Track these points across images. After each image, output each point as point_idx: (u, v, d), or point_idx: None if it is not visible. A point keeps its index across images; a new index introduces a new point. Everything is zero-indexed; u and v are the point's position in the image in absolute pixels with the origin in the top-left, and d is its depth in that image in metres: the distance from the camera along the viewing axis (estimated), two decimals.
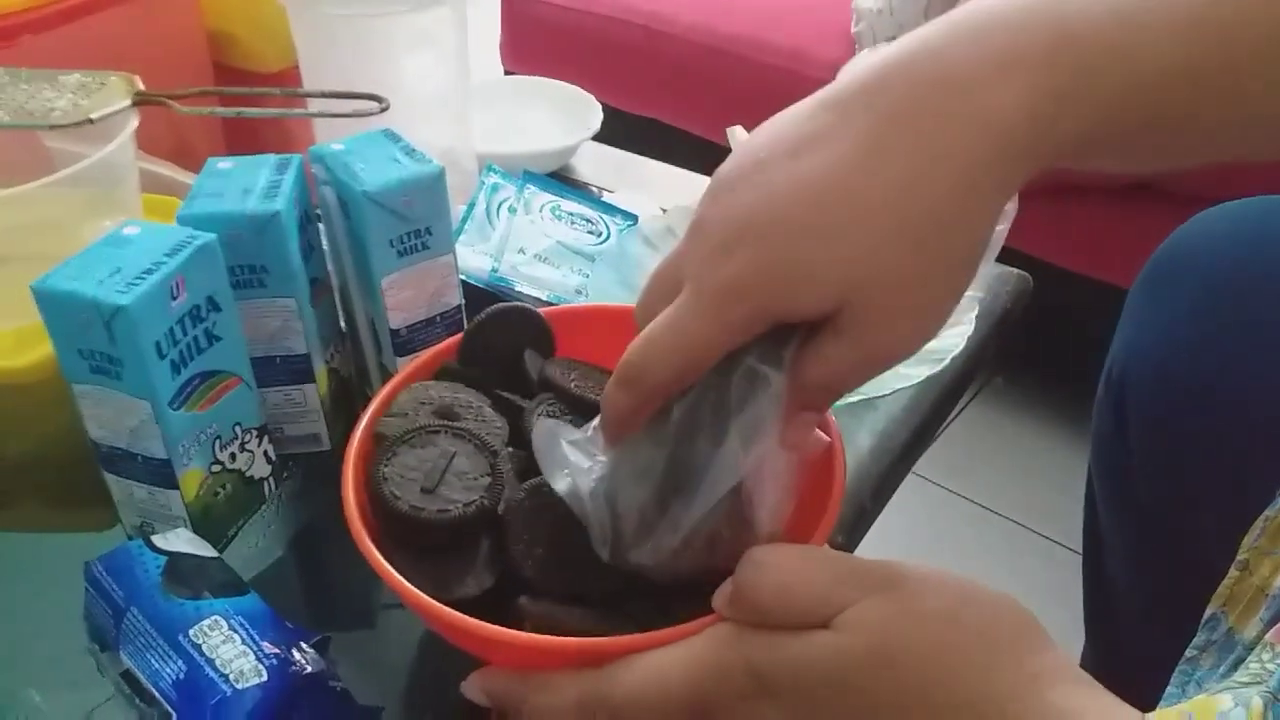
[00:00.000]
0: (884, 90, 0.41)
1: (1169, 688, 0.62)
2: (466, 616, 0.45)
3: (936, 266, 0.41)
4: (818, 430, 0.50)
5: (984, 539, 1.70)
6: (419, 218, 0.62)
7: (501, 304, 0.60)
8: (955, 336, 0.71)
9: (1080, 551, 0.95)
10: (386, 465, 0.51)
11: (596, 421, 0.49)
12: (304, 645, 0.53)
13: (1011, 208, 0.45)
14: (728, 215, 0.43)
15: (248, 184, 0.61)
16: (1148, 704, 0.52)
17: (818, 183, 0.41)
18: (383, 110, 0.65)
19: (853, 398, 0.68)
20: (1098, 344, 0.86)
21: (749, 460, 0.45)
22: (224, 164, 0.63)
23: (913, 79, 0.41)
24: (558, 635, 0.45)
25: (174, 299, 0.55)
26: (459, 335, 0.60)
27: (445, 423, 0.54)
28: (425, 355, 0.60)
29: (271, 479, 0.66)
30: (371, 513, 0.51)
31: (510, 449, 0.55)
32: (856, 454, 0.68)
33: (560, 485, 0.49)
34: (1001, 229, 0.45)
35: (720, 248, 0.42)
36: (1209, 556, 0.61)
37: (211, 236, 0.57)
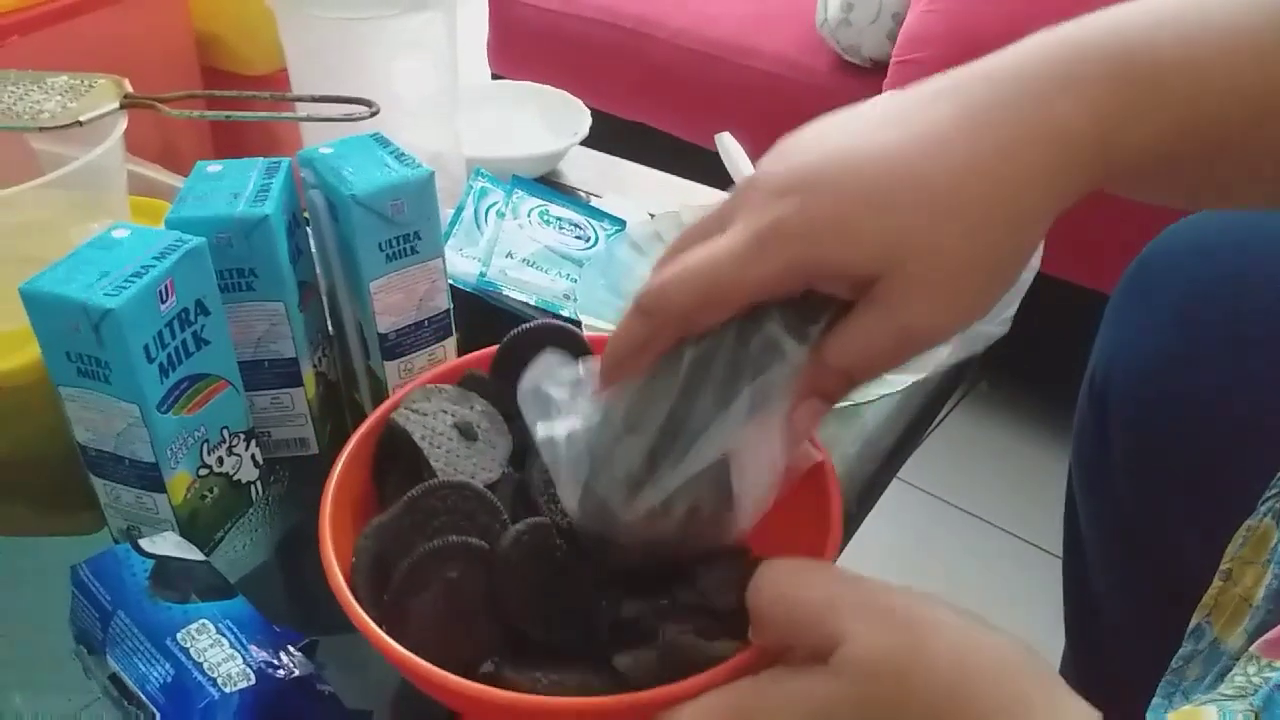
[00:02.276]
0: (965, 89, 0.43)
1: (1155, 698, 0.62)
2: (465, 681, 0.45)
3: (983, 256, 0.42)
4: (810, 447, 0.51)
5: (967, 544, 1.70)
6: (408, 222, 0.63)
7: (540, 321, 0.60)
8: (942, 347, 0.71)
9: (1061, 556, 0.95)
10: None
11: (588, 364, 0.48)
12: (291, 649, 0.53)
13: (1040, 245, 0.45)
14: (789, 167, 0.43)
15: (237, 187, 0.61)
16: (1129, 711, 0.53)
17: (885, 154, 0.42)
18: (372, 115, 0.65)
19: (839, 404, 0.69)
20: (1082, 349, 0.86)
21: (751, 429, 0.44)
22: (213, 167, 0.63)
23: (992, 82, 0.43)
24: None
25: (163, 302, 0.55)
26: (492, 348, 0.60)
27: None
28: (444, 367, 0.60)
29: (259, 483, 0.66)
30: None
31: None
32: (843, 459, 0.69)
33: (540, 433, 0.48)
34: (1034, 261, 0.45)
35: (773, 193, 0.43)
36: (1191, 564, 0.61)
37: (201, 240, 0.57)
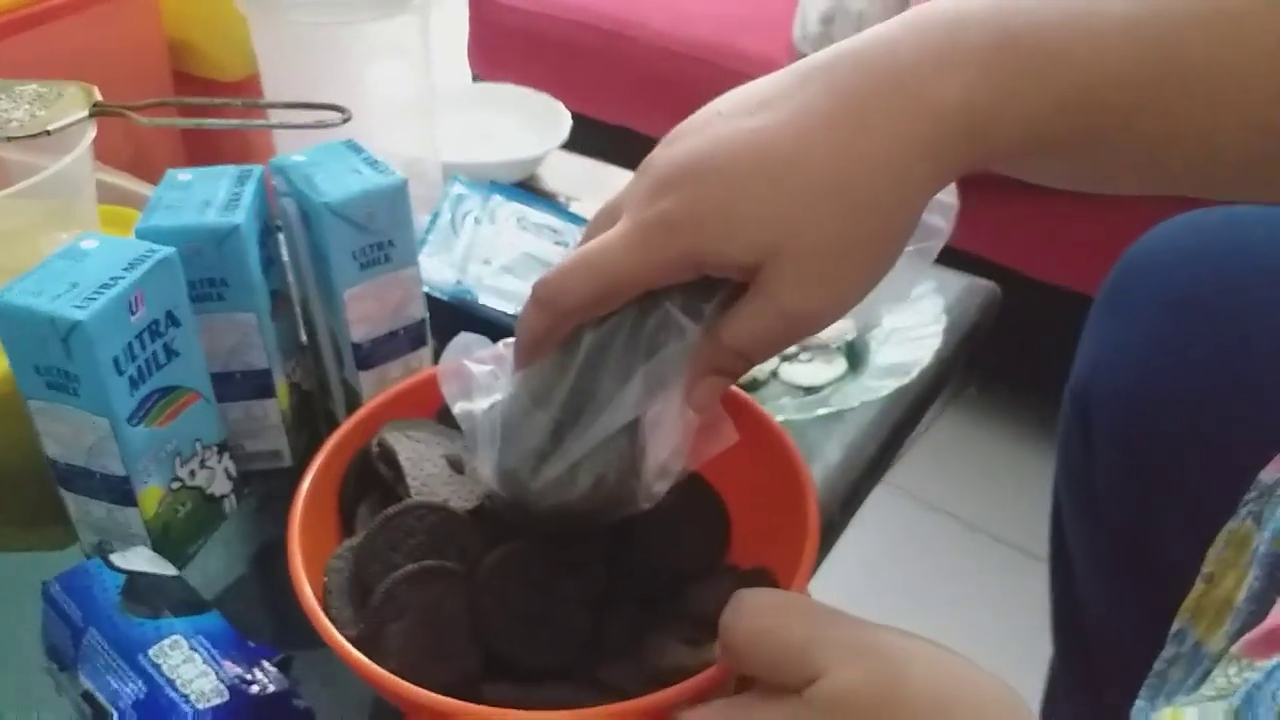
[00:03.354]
0: (838, 68, 0.43)
1: (1138, 700, 0.62)
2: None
3: (860, 239, 0.43)
4: (729, 427, 0.51)
5: (953, 549, 1.70)
6: (381, 230, 0.62)
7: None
8: (923, 349, 0.71)
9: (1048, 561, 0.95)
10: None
11: (509, 343, 0.50)
12: (266, 664, 0.52)
13: (952, 202, 0.46)
14: (672, 158, 0.44)
15: (207, 196, 0.60)
16: (1117, 714, 0.52)
17: (764, 139, 0.43)
18: (345, 121, 0.64)
19: (820, 410, 0.68)
20: (1068, 351, 0.86)
21: (649, 405, 0.46)
22: (183, 175, 0.62)
23: (862, 61, 0.43)
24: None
25: (132, 314, 0.54)
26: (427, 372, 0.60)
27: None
28: (421, 377, 0.60)
29: (233, 495, 0.65)
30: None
31: None
32: (825, 467, 0.68)
33: (457, 407, 0.51)
34: (944, 227, 0.46)
35: (659, 185, 0.44)
36: (1176, 569, 0.61)
37: (171, 250, 0.56)
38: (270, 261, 0.64)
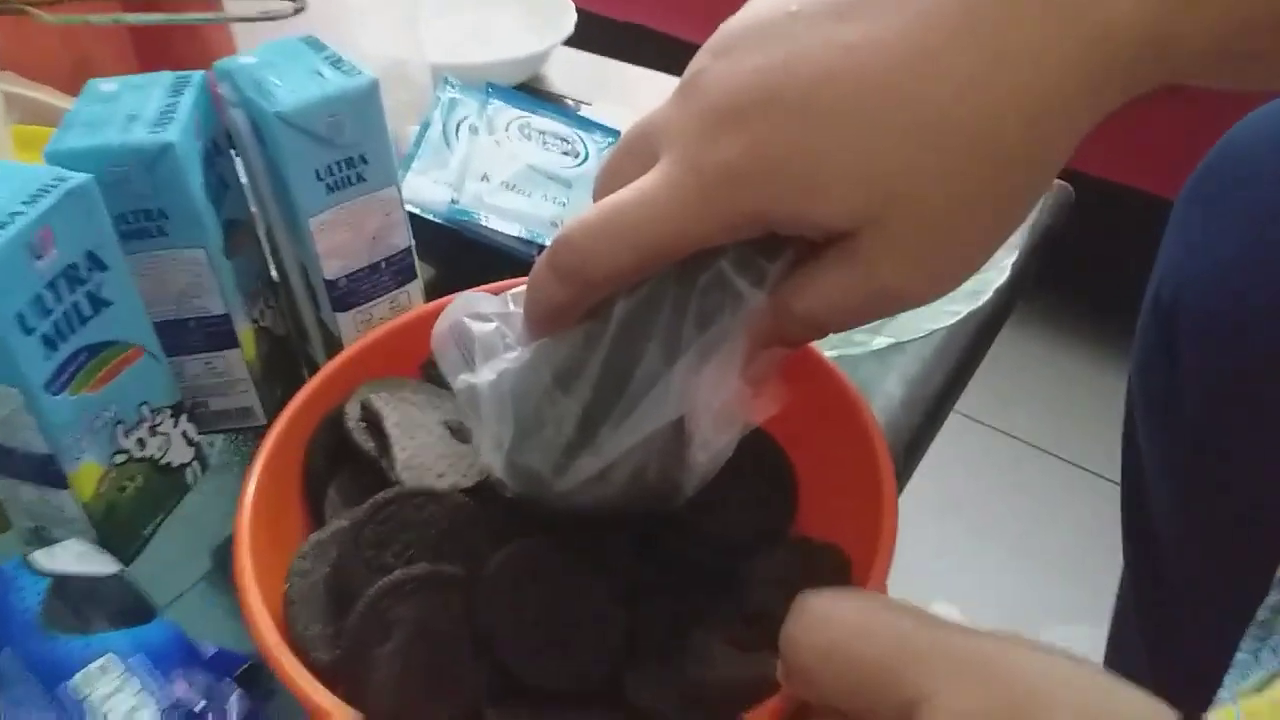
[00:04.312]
0: None
1: (1240, 653, 0.55)
2: None
3: (995, 197, 0.33)
4: (771, 397, 0.41)
5: (1013, 470, 1.60)
6: (349, 143, 0.51)
7: None
8: (997, 265, 0.60)
9: (1118, 482, 0.87)
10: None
11: (518, 293, 0.39)
12: (226, 681, 0.43)
13: None
14: (735, 75, 0.33)
15: (135, 109, 0.50)
16: (1196, 643, 0.48)
17: (864, 60, 0.32)
18: (296, 12, 0.53)
19: (877, 341, 0.58)
20: (1139, 258, 0.76)
21: (702, 388, 0.36)
22: (107, 85, 0.51)
23: None
24: None
25: (38, 258, 0.44)
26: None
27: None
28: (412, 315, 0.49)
29: (197, 464, 0.55)
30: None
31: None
32: (887, 404, 0.58)
33: (458, 382, 0.40)
34: None
35: (720, 118, 0.33)
36: (1268, 493, 0.55)
37: (87, 177, 0.45)
38: (223, 186, 0.53)
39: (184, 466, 0.55)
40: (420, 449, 0.44)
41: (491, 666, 0.40)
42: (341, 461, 0.45)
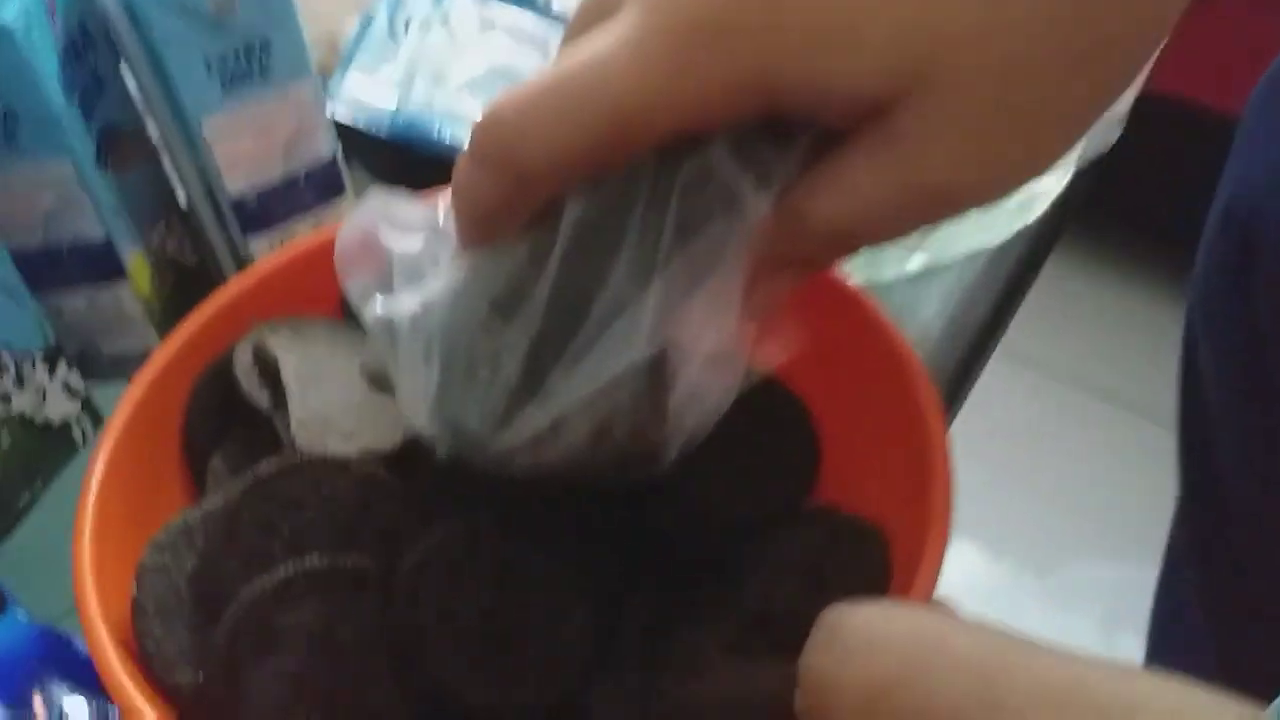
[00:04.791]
0: None
1: None
2: None
3: (1077, 44, 0.24)
4: (781, 339, 0.32)
5: (1060, 414, 1.50)
6: (245, 26, 0.41)
7: None
8: (1050, 177, 0.51)
9: (1159, 422, 0.79)
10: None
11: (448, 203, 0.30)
12: (82, 695, 0.34)
13: None
14: None
15: None
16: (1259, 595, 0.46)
17: None
18: None
19: (913, 264, 0.48)
20: (1190, 178, 0.67)
21: (688, 322, 0.28)
22: None
23: None
24: None
25: None
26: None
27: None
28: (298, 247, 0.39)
29: (87, 420, 0.46)
30: None
31: None
32: (924, 338, 0.49)
33: (368, 308, 0.31)
34: None
35: None
36: None
37: None
38: (96, 84, 0.43)
39: (67, 423, 0.46)
40: (325, 404, 0.35)
41: (417, 686, 0.31)
42: (232, 423, 0.36)
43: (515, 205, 0.27)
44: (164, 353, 0.36)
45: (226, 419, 0.36)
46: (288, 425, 0.34)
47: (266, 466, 0.32)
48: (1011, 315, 0.52)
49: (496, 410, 0.29)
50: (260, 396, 0.36)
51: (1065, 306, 1.58)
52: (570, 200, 0.27)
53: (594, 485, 0.31)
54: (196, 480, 0.36)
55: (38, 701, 0.34)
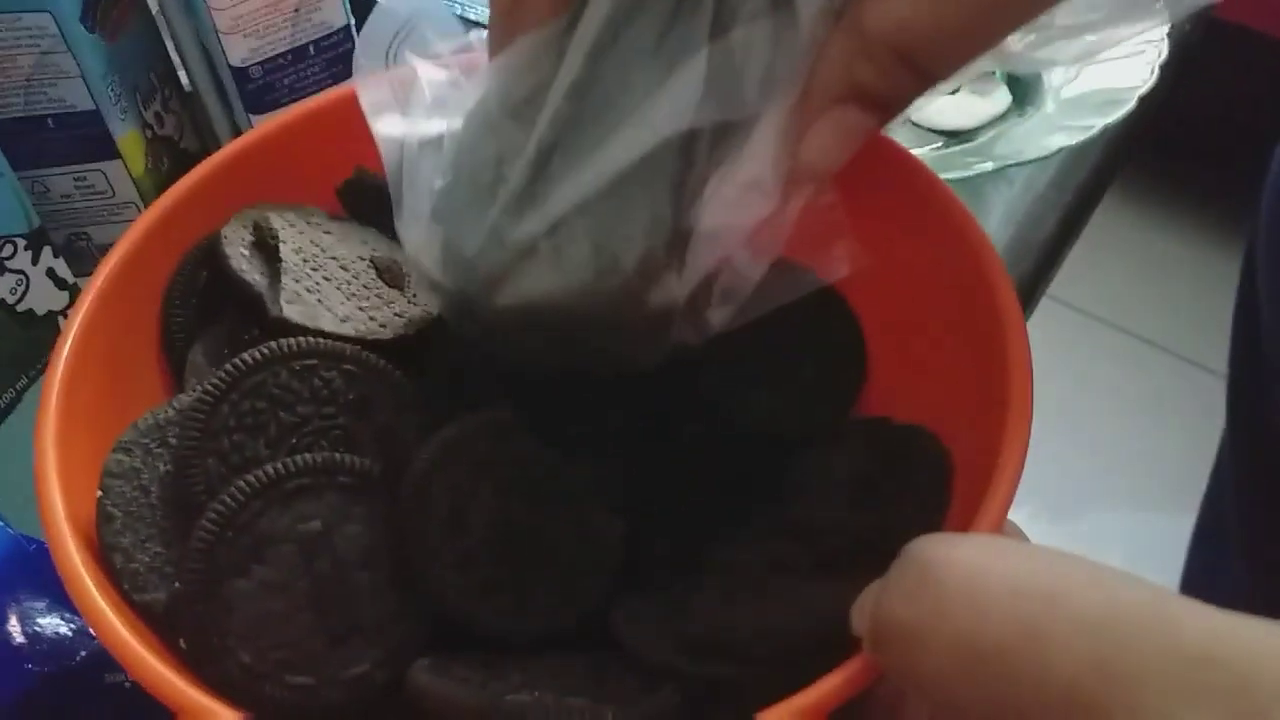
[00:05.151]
0: None
1: None
2: None
3: None
4: (841, 246, 0.27)
5: (1109, 359, 1.44)
6: None
7: None
8: (1139, 68, 0.45)
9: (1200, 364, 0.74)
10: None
11: (485, 33, 0.26)
12: (61, 615, 0.31)
13: None
14: None
15: None
16: None
17: None
18: None
19: (977, 165, 0.43)
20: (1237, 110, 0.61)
21: (702, 118, 0.23)
22: None
23: None
24: None
25: None
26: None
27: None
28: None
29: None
30: None
31: None
32: None
33: (380, 123, 0.27)
34: None
35: None
36: None
37: None
38: None
39: (54, 315, 0.42)
40: (322, 286, 0.31)
41: (420, 604, 0.27)
42: (215, 312, 0.32)
43: None
44: (133, 232, 0.31)
45: (209, 306, 0.32)
46: (278, 302, 0.30)
47: (251, 354, 0.28)
48: (1080, 230, 0.47)
49: (493, 216, 0.24)
50: (252, 272, 0.31)
51: (1107, 247, 1.52)
52: None
53: (604, 366, 0.27)
54: (175, 375, 0.32)
55: (13, 617, 0.31)
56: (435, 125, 0.26)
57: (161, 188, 0.43)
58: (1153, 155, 1.48)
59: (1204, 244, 1.52)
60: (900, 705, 0.24)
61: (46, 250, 0.40)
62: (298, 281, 0.30)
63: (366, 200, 0.34)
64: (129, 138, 0.41)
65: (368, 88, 0.26)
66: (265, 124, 0.33)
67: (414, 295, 0.32)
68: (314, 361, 0.28)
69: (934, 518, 0.27)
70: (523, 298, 0.24)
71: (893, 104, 0.23)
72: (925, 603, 0.18)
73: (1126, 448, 1.32)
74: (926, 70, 0.22)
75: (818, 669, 0.22)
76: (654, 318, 0.25)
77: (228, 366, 0.27)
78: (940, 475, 0.28)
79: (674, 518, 0.29)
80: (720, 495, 0.30)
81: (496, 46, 0.25)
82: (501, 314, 0.25)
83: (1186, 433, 0.82)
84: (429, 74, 0.26)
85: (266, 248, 0.31)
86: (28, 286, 0.40)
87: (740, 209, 0.23)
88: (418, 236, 0.26)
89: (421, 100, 0.26)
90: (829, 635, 0.22)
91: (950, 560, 0.18)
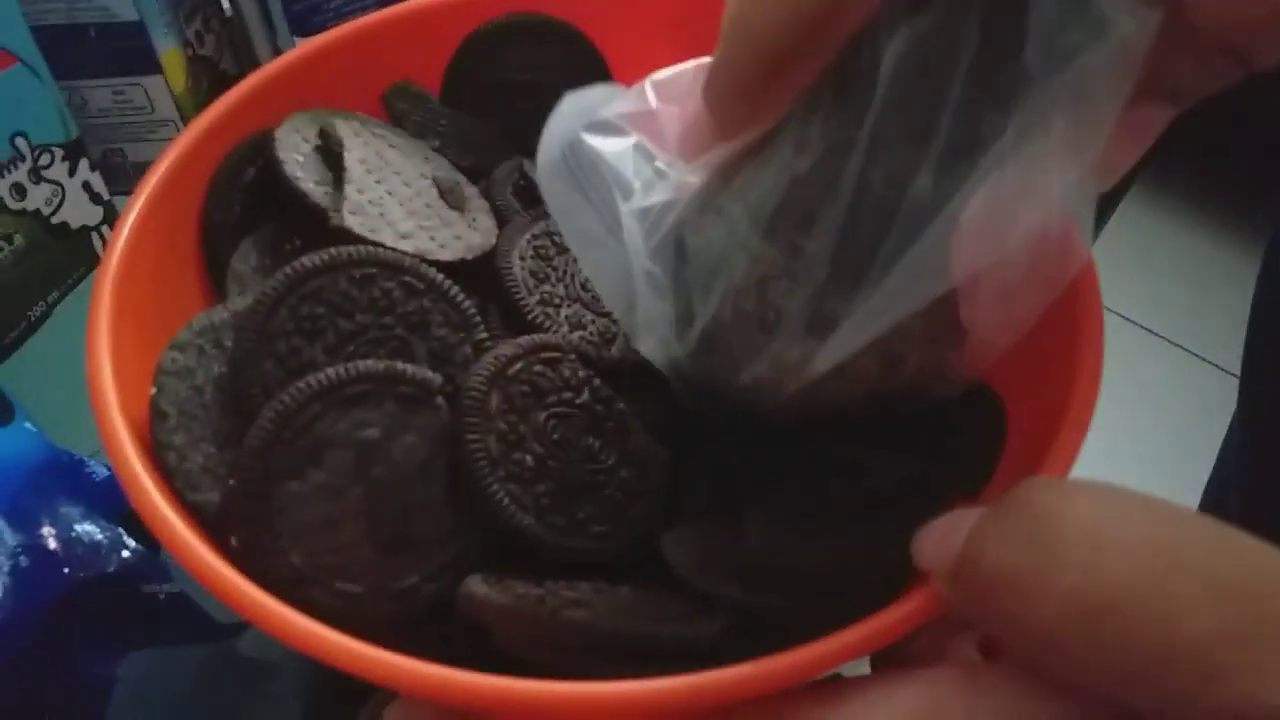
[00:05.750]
0: None
1: None
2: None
3: None
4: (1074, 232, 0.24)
5: (1111, 354, 1.44)
6: None
7: (515, 14, 0.35)
8: None
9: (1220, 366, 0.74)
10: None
11: (664, 77, 0.24)
12: (97, 522, 0.30)
13: None
14: None
15: None
16: None
17: None
18: None
19: None
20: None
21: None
22: None
23: None
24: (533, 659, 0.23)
25: None
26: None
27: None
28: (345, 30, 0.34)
29: (106, 227, 0.42)
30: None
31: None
32: None
33: (572, 223, 0.25)
34: None
35: None
36: None
37: None
38: None
39: (88, 230, 0.41)
40: (385, 198, 0.30)
41: (473, 517, 0.26)
42: (257, 218, 0.31)
43: (757, 87, 0.20)
44: (198, 126, 0.31)
45: (251, 207, 0.31)
46: (338, 207, 0.30)
47: (311, 258, 0.27)
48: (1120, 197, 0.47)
49: (775, 353, 0.22)
50: (307, 180, 0.31)
51: (1131, 244, 1.52)
52: (886, 38, 0.18)
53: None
54: (216, 279, 0.31)
55: (49, 524, 0.30)
56: (636, 220, 0.24)
57: (199, 108, 0.43)
58: (1170, 153, 1.47)
59: (1211, 238, 1.52)
60: (948, 642, 0.23)
61: (83, 163, 0.40)
62: (361, 193, 0.30)
63: (408, 110, 0.33)
64: (171, 54, 0.41)
65: (553, 190, 0.25)
66: (323, 34, 0.33)
67: (474, 220, 0.31)
68: (374, 270, 0.27)
69: (985, 464, 0.27)
70: (801, 410, 0.23)
71: (1191, 94, 0.21)
72: (1041, 552, 0.18)
73: (1126, 439, 1.32)
74: (1250, 59, 0.20)
75: (868, 603, 0.21)
76: (927, 388, 0.24)
77: (287, 269, 0.27)
78: (994, 421, 0.28)
79: (720, 455, 0.29)
80: (765, 437, 0.29)
81: (697, 145, 0.22)
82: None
83: (1189, 426, 0.82)
84: (611, 148, 0.24)
85: (331, 155, 0.31)
86: (63, 198, 0.40)
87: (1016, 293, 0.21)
88: (643, 327, 0.25)
89: (609, 183, 0.24)
90: (884, 569, 0.22)
91: (1065, 510, 0.18)
